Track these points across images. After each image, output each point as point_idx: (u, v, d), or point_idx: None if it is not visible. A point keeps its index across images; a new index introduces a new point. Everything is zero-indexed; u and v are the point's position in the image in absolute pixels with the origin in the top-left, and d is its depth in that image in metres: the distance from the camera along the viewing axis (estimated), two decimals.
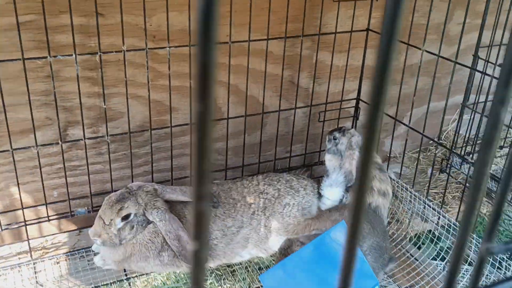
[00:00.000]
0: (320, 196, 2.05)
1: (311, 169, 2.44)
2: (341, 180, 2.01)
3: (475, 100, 2.42)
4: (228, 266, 2.03)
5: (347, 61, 2.27)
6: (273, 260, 2.02)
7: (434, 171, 2.55)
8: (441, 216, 2.09)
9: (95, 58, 1.77)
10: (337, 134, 2.14)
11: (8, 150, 1.72)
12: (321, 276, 1.49)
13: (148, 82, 1.82)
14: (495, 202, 0.37)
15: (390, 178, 2.27)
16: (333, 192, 2.00)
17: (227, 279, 1.99)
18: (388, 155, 2.45)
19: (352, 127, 2.45)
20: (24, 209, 1.83)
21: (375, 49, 2.09)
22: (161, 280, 1.96)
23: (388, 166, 2.36)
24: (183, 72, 1.99)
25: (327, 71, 2.25)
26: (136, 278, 1.92)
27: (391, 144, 2.39)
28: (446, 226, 2.07)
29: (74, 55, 1.67)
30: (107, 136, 1.86)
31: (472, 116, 2.45)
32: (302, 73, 2.24)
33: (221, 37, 1.98)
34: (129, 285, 1.89)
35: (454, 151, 2.35)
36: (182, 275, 1.98)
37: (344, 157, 2.08)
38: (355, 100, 2.38)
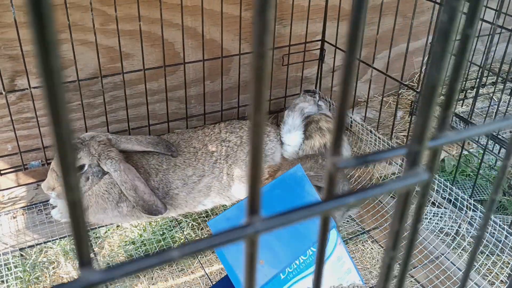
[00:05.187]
0: (282, 143, 2.01)
1: (278, 115, 2.38)
2: (298, 123, 1.96)
3: None
4: (207, 215, 2.00)
5: (310, 0, 2.16)
6: None
7: (403, 114, 2.51)
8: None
9: None
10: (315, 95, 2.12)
11: None
12: None
13: (94, 26, 1.72)
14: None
15: (356, 121, 2.23)
16: (292, 137, 1.96)
17: (205, 228, 1.97)
18: (353, 99, 2.40)
19: (318, 72, 2.38)
20: None
21: None
22: (138, 233, 1.93)
23: (353, 110, 2.31)
24: (136, 15, 1.88)
25: (290, 12, 2.15)
26: (113, 231, 1.89)
27: (356, 88, 2.33)
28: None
29: None
30: None
31: None
32: None
33: None
34: (94, 234, 1.85)
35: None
36: (159, 227, 1.95)
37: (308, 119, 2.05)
38: (320, 42, 2.29)
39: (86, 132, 1.91)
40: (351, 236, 1.93)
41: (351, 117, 2.25)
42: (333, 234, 1.52)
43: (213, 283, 1.71)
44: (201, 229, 1.96)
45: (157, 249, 1.88)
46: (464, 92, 2.57)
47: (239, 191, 1.94)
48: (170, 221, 1.98)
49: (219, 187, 1.94)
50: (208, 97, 2.19)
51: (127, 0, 1.84)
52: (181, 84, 2.14)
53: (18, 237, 1.79)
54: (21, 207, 1.90)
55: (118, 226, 1.91)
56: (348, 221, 2.00)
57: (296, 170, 1.50)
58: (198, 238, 1.94)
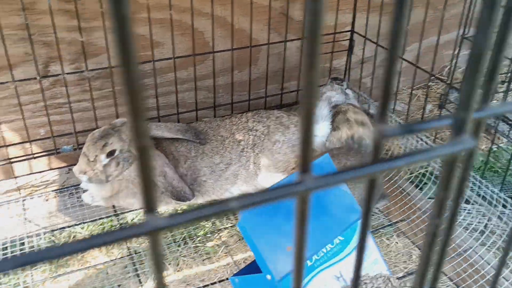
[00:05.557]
0: None
1: None
2: (326, 113, 1.96)
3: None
4: None
5: None
6: None
7: (432, 107, 2.48)
8: None
9: None
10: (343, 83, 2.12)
11: None
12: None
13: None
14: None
15: None
16: (320, 127, 1.95)
17: (229, 218, 2.00)
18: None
19: (346, 63, 2.36)
20: (7, 146, 1.82)
21: None
22: None
23: None
24: (164, 3, 1.90)
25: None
26: (140, 218, 1.94)
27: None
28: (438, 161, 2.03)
29: None
30: (87, 71, 1.81)
31: None
32: (294, 4, 2.14)
33: None
34: (118, 220, 1.90)
35: (453, 85, 2.26)
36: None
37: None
38: (349, 33, 2.28)
39: (117, 118, 1.94)
40: (377, 228, 1.93)
41: None
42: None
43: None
44: (225, 218, 1.99)
45: (182, 237, 1.91)
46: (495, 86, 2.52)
47: (266, 180, 1.95)
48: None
49: (246, 176, 1.95)
50: (235, 87, 2.21)
51: None
52: (209, 74, 2.16)
53: (50, 219, 1.84)
54: (53, 190, 1.95)
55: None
56: (374, 213, 1.99)
57: (324, 159, 1.50)
58: (222, 226, 1.96)
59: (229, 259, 1.83)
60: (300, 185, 0.31)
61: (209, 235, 1.93)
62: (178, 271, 1.79)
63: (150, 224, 0.27)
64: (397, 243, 1.91)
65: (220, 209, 0.28)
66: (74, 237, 1.85)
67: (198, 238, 1.91)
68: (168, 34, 1.98)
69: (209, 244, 1.91)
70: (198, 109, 2.12)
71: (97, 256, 1.79)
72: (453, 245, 1.78)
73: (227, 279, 1.70)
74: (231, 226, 1.96)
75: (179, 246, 1.87)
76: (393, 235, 1.93)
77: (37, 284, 1.66)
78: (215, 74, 2.07)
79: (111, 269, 1.75)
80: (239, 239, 1.92)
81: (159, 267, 0.30)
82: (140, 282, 1.69)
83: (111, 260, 1.78)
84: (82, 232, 1.87)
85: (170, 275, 1.77)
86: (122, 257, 1.79)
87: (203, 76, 2.17)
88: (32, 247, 1.73)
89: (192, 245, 1.88)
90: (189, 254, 1.85)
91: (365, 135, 1.98)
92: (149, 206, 0.28)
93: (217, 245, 1.90)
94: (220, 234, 1.94)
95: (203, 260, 1.83)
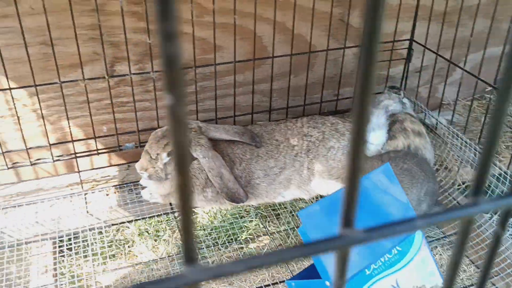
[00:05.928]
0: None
1: None
2: (383, 122, 1.95)
3: None
4: (273, 209, 2.05)
5: None
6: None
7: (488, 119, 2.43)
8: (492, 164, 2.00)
9: None
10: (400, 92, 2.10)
11: (56, 83, 1.76)
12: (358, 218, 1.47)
13: (192, 17, 1.79)
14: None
15: (442, 124, 2.19)
16: (376, 136, 1.94)
17: (272, 221, 2.02)
18: (440, 101, 2.34)
19: (404, 72, 2.34)
20: (74, 142, 1.90)
21: None
22: (208, 219, 2.01)
23: (439, 112, 2.26)
24: (229, 8, 1.94)
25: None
26: None
27: (444, 89, 2.27)
28: (497, 175, 1.98)
29: None
30: (152, 72, 1.87)
31: None
32: (354, 11, 2.14)
33: None
34: (175, 218, 1.95)
35: None
36: (229, 216, 2.02)
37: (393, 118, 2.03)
38: (408, 42, 2.26)
39: None
40: (431, 240, 1.90)
41: (436, 119, 2.21)
42: (418, 235, 1.51)
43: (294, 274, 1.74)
44: (268, 221, 2.01)
45: (225, 238, 1.94)
46: None
47: (319, 186, 1.96)
48: (239, 211, 2.04)
49: (299, 181, 1.97)
50: (290, 91, 2.23)
51: None
52: (265, 78, 2.18)
53: (110, 213, 1.91)
54: (113, 186, 2.03)
55: None
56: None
57: (385, 168, 1.50)
58: (264, 229, 1.98)
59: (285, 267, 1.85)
60: (341, 240, 0.31)
61: (251, 237, 1.95)
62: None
63: (189, 277, 0.27)
64: (449, 255, 1.88)
65: (249, 265, 0.29)
66: (123, 231, 1.91)
67: (242, 239, 1.94)
68: (228, 38, 2.02)
69: (252, 246, 1.93)
70: (253, 112, 2.15)
71: (143, 252, 1.84)
72: (508, 261, 1.74)
73: (278, 282, 1.72)
74: (277, 232, 1.97)
75: (222, 245, 1.89)
76: (447, 248, 1.90)
77: (90, 274, 1.73)
78: (272, 78, 2.10)
79: (155, 264, 1.80)
80: (281, 244, 1.93)
81: None
82: None
83: (159, 258, 1.83)
84: (130, 227, 1.92)
85: None
86: (169, 255, 1.83)
87: (259, 80, 2.20)
88: (94, 239, 1.81)
89: (236, 246, 1.91)
90: (232, 255, 1.88)
91: (422, 145, 1.96)
92: (189, 257, 0.27)
93: (260, 247, 1.93)
94: (263, 237, 1.96)
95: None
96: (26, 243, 1.80)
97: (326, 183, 1.97)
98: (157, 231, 1.93)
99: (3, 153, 1.84)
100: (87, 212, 1.90)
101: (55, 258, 1.77)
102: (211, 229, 1.96)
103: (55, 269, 1.74)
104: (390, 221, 0.33)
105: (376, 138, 1.97)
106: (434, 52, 2.12)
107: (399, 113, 2.02)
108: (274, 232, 1.96)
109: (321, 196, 2.02)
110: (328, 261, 1.31)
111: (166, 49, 0.26)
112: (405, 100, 2.10)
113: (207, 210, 2.03)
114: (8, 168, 1.87)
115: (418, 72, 2.31)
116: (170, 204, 1.98)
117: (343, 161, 1.94)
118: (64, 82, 1.78)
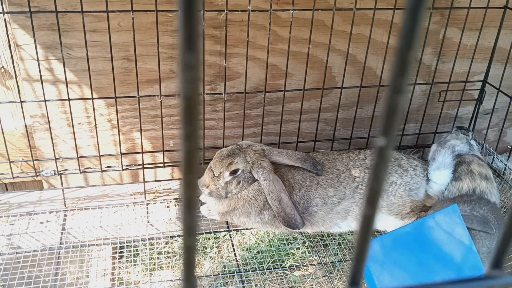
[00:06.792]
0: (428, 180, 1.97)
1: (423, 150, 2.33)
2: (449, 162, 1.90)
3: None
4: (321, 238, 2.04)
5: (478, 40, 2.11)
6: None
7: None
8: None
9: (221, 16, 1.84)
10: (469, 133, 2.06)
11: (135, 97, 1.86)
12: (417, 258, 1.44)
13: (268, 44, 1.85)
14: None
15: (510, 169, 2.11)
16: (440, 175, 1.90)
17: (319, 251, 2.00)
18: (509, 146, 2.27)
19: (474, 113, 2.29)
20: (143, 153, 1.99)
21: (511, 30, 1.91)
22: (255, 241, 2.03)
23: (509, 157, 2.19)
24: (302, 37, 1.99)
25: (454, 49, 2.11)
26: (234, 232, 2.01)
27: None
28: None
29: (202, 11, 1.74)
30: (224, 94, 1.93)
31: None
32: (426, 49, 2.13)
33: (346, 4, 1.94)
34: (230, 237, 1.98)
35: None
36: (276, 241, 2.03)
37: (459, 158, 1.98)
38: (481, 83, 2.22)
39: (242, 140, 2.04)
40: None
41: (505, 164, 2.13)
42: None
43: None
44: (314, 251, 1.99)
45: (270, 262, 1.94)
46: None
47: (377, 221, 1.93)
48: (286, 237, 2.04)
49: (357, 213, 1.95)
50: (355, 123, 2.23)
51: (298, 23, 1.96)
52: (330, 107, 2.20)
53: (169, 225, 1.97)
54: (174, 199, 2.09)
55: (237, 231, 2.01)
56: None
57: (452, 209, 1.47)
58: (311, 258, 1.96)
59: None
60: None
61: (297, 264, 1.94)
62: None
63: None
64: None
65: None
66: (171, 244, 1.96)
67: (286, 265, 1.93)
68: (297, 66, 2.06)
69: (297, 273, 1.92)
70: (316, 140, 2.17)
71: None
72: None
73: None
74: (323, 263, 1.95)
75: (266, 269, 1.89)
76: None
77: (145, 283, 1.77)
78: (339, 108, 2.11)
79: (200, 280, 1.82)
80: (325, 275, 1.90)
81: None
82: None
83: (204, 276, 1.85)
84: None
85: None
86: (217, 274, 1.86)
87: (324, 108, 2.22)
88: (152, 249, 1.86)
89: (280, 272, 1.90)
90: (276, 279, 1.87)
91: (488, 190, 1.90)
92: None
93: (304, 276, 1.91)
94: (308, 267, 1.94)
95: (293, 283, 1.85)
96: (88, 245, 1.88)
97: (385, 219, 1.94)
98: (205, 247, 1.96)
99: (78, 158, 1.95)
100: (148, 221, 1.96)
101: (113, 263, 1.83)
102: (257, 252, 1.97)
103: (112, 274, 1.80)
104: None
105: (440, 178, 1.92)
106: (507, 95, 2.06)
107: (466, 155, 1.98)
108: (320, 263, 1.94)
109: (378, 232, 1.99)
110: (377, 273, 1.29)
111: (186, 77, 0.27)
112: (473, 142, 2.05)
113: (255, 232, 2.05)
114: (81, 173, 1.98)
115: (488, 114, 2.25)
116: (227, 222, 2.01)
117: (404, 198, 1.91)
118: (142, 96, 1.88)
